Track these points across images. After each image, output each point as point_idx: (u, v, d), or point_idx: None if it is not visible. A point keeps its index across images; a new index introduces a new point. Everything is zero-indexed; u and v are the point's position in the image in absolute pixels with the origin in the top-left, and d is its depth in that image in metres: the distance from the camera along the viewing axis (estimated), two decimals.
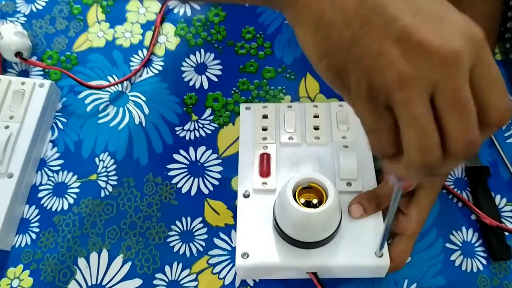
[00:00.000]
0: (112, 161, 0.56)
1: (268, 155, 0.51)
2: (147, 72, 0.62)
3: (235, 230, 0.52)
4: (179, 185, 0.55)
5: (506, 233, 0.50)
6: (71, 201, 0.55)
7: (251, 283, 0.50)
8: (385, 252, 0.46)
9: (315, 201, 0.45)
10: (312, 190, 0.46)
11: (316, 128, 0.53)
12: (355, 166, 0.49)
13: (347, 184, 0.49)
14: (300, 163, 0.51)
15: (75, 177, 0.56)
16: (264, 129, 0.53)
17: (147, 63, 0.62)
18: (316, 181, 0.45)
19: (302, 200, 0.45)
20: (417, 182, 0.46)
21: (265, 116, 0.54)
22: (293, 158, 0.52)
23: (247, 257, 0.46)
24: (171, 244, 0.52)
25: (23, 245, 0.52)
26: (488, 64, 0.30)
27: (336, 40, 0.31)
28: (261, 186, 0.50)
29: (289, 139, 0.52)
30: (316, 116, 0.54)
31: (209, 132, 0.58)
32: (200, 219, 0.53)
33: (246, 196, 0.49)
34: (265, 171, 0.50)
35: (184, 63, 0.62)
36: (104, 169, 0.56)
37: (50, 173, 0.56)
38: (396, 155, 0.32)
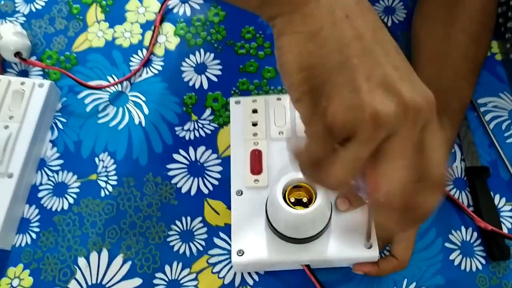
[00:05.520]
0: (112, 161, 0.56)
1: (259, 152, 0.52)
2: (147, 72, 0.62)
3: None
4: (179, 185, 0.55)
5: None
6: (71, 201, 0.55)
7: (250, 282, 0.50)
8: (373, 243, 0.47)
9: (305, 199, 0.46)
10: (302, 189, 0.46)
11: None
12: None
13: None
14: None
15: (75, 177, 0.56)
16: (254, 124, 0.53)
17: (146, 63, 0.62)
18: (305, 181, 0.46)
19: (293, 199, 0.46)
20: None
21: (254, 111, 0.54)
22: (284, 153, 0.52)
23: (242, 254, 0.47)
24: (171, 244, 0.52)
25: (23, 244, 0.53)
26: (433, 129, 0.33)
27: (324, 58, 0.31)
28: (253, 184, 0.50)
29: (279, 133, 0.53)
30: None
31: (209, 132, 0.58)
32: (200, 218, 0.53)
33: (239, 194, 0.50)
34: (256, 169, 0.51)
35: (183, 63, 0.62)
36: (104, 169, 0.56)
37: (50, 173, 0.56)
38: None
